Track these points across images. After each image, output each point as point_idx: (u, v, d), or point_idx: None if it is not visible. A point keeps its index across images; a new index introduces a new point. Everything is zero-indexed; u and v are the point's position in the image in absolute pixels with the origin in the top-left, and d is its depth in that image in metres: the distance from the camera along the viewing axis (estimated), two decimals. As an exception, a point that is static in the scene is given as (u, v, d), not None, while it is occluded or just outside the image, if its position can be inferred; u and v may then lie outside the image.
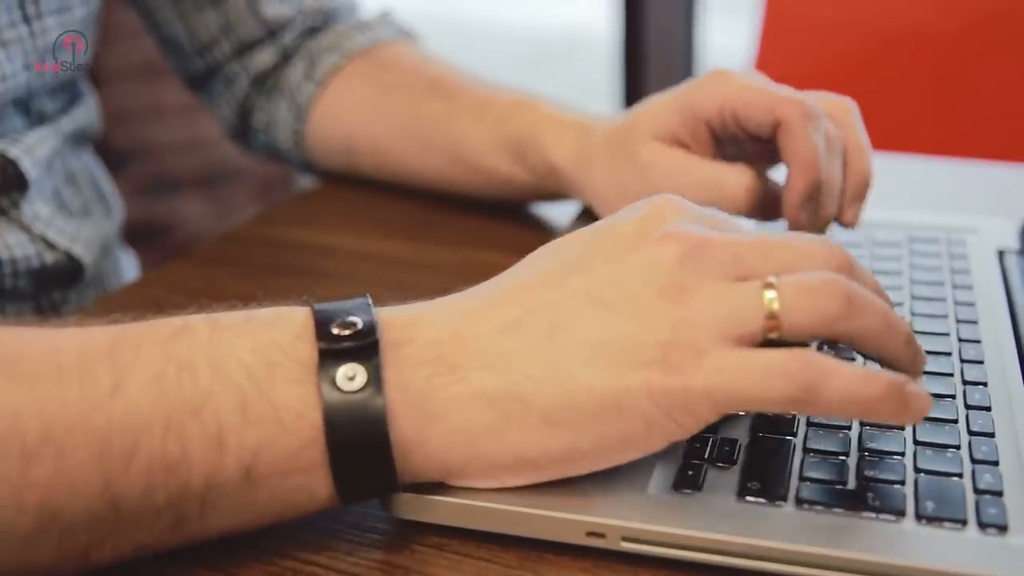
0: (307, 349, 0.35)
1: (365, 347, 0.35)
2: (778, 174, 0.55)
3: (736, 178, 0.53)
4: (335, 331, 0.35)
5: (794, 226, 0.52)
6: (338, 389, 0.34)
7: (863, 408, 0.34)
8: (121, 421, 0.33)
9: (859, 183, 0.53)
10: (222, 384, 0.34)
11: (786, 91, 0.51)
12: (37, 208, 0.60)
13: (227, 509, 0.34)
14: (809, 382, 0.33)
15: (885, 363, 0.36)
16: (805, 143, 0.50)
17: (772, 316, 0.34)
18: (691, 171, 0.53)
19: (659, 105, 0.55)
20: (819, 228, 0.52)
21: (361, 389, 0.34)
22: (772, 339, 0.34)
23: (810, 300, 0.34)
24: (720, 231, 0.37)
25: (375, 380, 0.34)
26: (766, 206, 0.54)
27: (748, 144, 0.55)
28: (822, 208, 0.52)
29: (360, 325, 0.35)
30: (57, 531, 0.32)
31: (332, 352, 0.35)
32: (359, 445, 0.34)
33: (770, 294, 0.34)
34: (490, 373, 0.35)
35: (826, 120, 0.51)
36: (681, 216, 0.37)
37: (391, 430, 0.34)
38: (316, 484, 0.35)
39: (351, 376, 0.34)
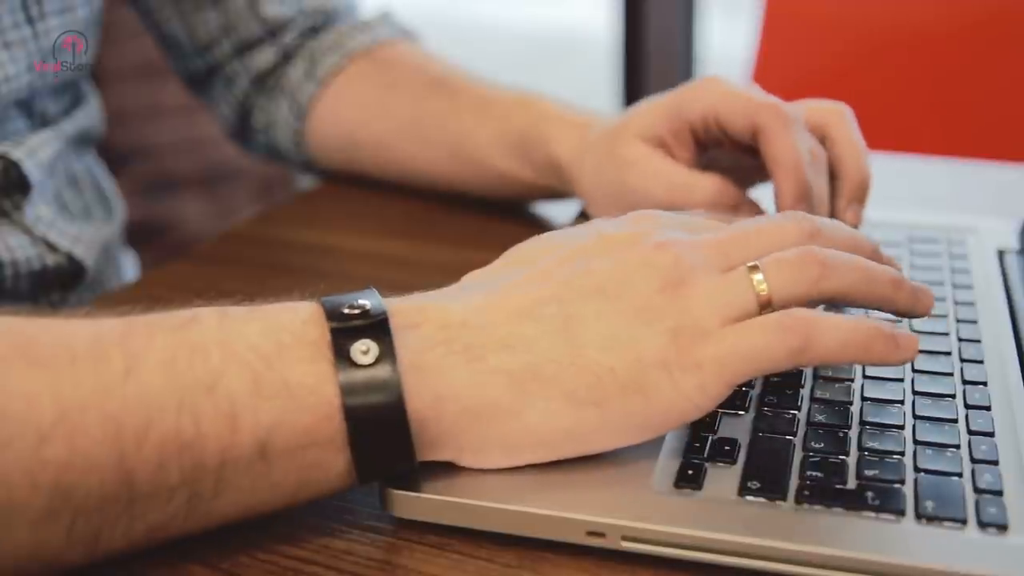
0: (317, 331, 0.36)
1: (376, 324, 0.35)
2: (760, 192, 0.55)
3: (706, 185, 0.53)
4: (345, 311, 0.36)
5: None
6: (353, 363, 0.35)
7: (860, 350, 0.37)
8: (134, 402, 0.33)
9: (858, 185, 0.53)
10: (234, 364, 0.34)
11: (766, 97, 0.51)
12: (39, 210, 0.60)
13: (241, 487, 0.35)
14: (807, 333, 0.36)
15: (888, 310, 0.40)
16: (784, 147, 0.50)
17: (763, 293, 0.37)
18: (666, 174, 0.54)
19: (649, 107, 0.56)
20: None
21: (375, 362, 0.35)
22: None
23: (792, 272, 0.37)
24: (701, 232, 0.40)
25: (389, 354, 0.35)
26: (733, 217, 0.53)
27: (742, 158, 0.55)
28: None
29: (369, 306, 0.36)
30: (70, 510, 0.33)
31: (344, 330, 0.35)
32: (377, 417, 0.35)
33: (757, 276, 0.37)
34: (509, 353, 0.36)
35: (808, 134, 0.51)
36: (664, 226, 0.40)
37: (407, 403, 0.35)
38: (332, 460, 0.35)
39: (365, 350, 0.35)
